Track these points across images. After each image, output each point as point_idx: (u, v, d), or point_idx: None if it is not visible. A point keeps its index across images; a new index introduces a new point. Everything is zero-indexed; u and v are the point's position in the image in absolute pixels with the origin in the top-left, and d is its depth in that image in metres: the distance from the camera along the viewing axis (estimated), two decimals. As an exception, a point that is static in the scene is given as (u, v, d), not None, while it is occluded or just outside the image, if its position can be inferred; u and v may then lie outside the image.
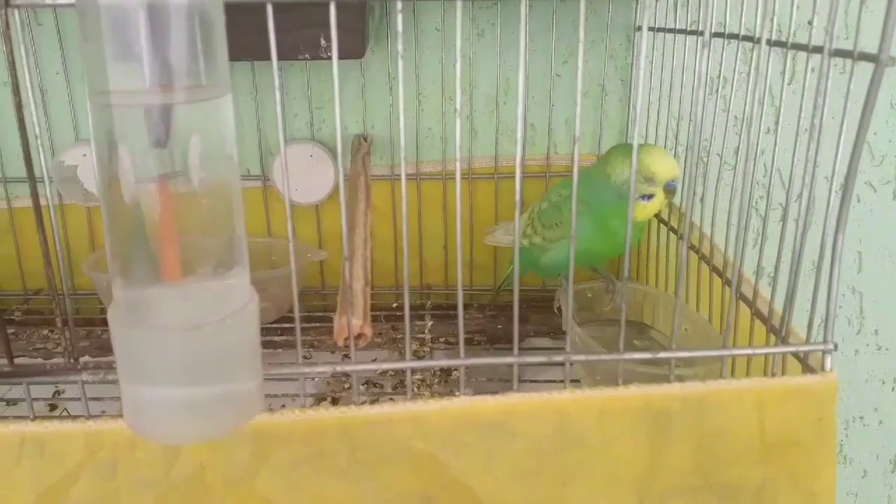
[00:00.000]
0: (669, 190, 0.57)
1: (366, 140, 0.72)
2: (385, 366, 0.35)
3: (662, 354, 0.36)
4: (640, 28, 0.70)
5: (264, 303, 0.71)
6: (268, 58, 0.65)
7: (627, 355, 0.36)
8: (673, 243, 0.65)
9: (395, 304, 0.76)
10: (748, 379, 0.37)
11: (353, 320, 0.34)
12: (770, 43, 0.47)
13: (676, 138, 0.69)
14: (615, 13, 0.70)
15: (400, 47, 0.35)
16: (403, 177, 0.35)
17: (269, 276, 0.68)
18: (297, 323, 0.36)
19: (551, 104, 0.72)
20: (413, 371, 0.62)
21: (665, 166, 0.56)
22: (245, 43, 0.65)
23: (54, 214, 0.39)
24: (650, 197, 0.56)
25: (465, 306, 0.76)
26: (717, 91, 0.71)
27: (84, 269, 0.66)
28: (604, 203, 0.58)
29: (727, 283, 0.54)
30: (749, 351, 0.38)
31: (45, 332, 0.71)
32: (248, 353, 0.31)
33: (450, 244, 0.77)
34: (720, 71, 0.61)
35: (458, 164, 0.34)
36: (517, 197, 0.36)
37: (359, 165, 0.61)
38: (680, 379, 0.40)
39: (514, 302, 0.37)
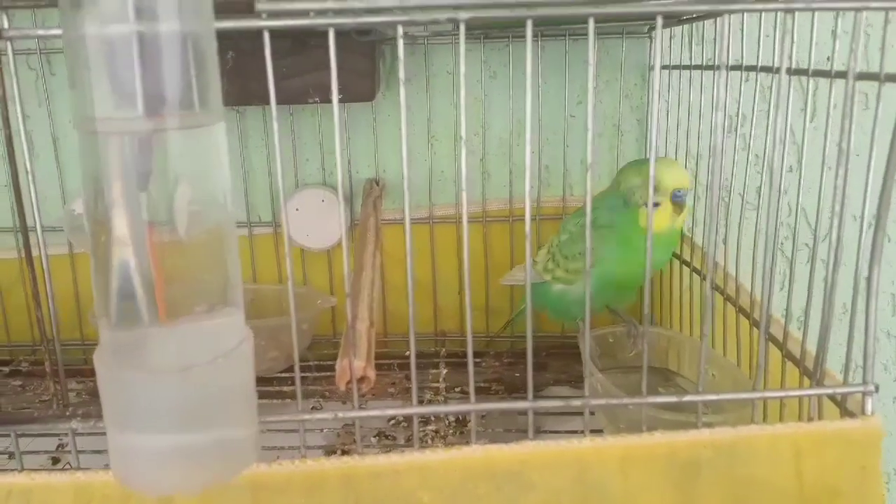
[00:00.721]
0: (676, 200, 0.55)
1: (377, 184, 0.71)
2: (390, 412, 0.33)
3: (689, 398, 0.34)
4: (654, 67, 0.69)
5: (273, 352, 0.70)
6: (279, 102, 0.65)
7: (651, 399, 0.34)
8: (696, 285, 0.63)
9: (408, 353, 0.73)
10: (783, 424, 0.34)
11: (355, 362, 0.32)
12: (790, 72, 0.45)
13: (696, 178, 0.67)
14: (629, 52, 0.69)
15: (402, 74, 0.34)
16: (407, 213, 0.33)
17: (278, 324, 0.66)
18: (296, 366, 0.34)
19: (566, 145, 0.71)
20: (425, 421, 0.59)
21: (672, 175, 0.54)
22: (255, 88, 0.65)
23: (46, 263, 0.38)
24: (656, 205, 0.55)
25: (481, 353, 0.73)
26: (735, 129, 0.70)
27: (90, 316, 0.65)
28: (620, 217, 0.56)
29: (755, 324, 0.51)
30: (782, 393, 0.35)
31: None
32: (242, 398, 0.29)
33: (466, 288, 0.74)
34: (739, 108, 0.59)
35: (463, 194, 0.32)
36: (527, 229, 0.34)
37: (369, 208, 0.60)
38: (708, 426, 0.38)
39: (528, 343, 0.34)
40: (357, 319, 0.37)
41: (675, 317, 0.67)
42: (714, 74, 0.61)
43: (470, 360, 0.34)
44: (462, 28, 0.31)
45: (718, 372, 0.57)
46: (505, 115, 0.71)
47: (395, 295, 0.75)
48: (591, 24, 0.30)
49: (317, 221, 0.71)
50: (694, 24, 0.64)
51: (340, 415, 0.33)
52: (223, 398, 0.28)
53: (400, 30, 0.31)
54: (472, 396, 0.34)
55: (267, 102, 0.65)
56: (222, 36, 0.30)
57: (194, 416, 0.28)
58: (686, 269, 0.64)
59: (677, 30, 0.67)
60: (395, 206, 0.73)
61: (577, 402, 0.34)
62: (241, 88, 0.63)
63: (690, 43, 0.66)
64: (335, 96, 0.34)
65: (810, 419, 0.36)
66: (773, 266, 0.48)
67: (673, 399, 0.34)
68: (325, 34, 0.60)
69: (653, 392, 0.34)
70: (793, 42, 0.44)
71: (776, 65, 0.46)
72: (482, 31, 0.68)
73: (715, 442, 0.34)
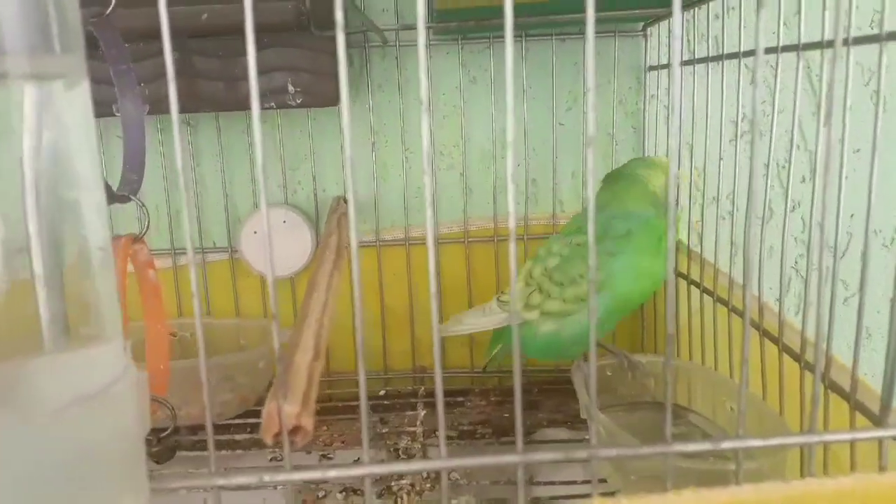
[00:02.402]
0: None
1: (345, 202, 0.63)
2: (332, 473, 0.25)
3: (727, 444, 0.26)
4: (651, 68, 0.62)
5: (226, 394, 0.61)
6: (235, 108, 0.58)
7: (678, 446, 0.26)
8: (707, 306, 0.55)
9: (382, 392, 0.65)
10: (850, 476, 0.26)
11: (285, 408, 0.24)
12: (848, 43, 0.38)
13: (704, 188, 0.59)
14: (622, 53, 0.63)
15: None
16: (353, 228, 0.26)
17: (231, 362, 0.57)
18: (208, 418, 0.25)
19: (555, 156, 0.64)
20: (399, 475, 0.51)
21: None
22: (208, 92, 0.57)
23: None
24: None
25: (465, 392, 0.65)
26: (739, 136, 0.63)
27: None
28: (641, 224, 0.48)
29: (785, 350, 0.43)
30: (847, 436, 0.27)
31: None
32: (118, 457, 0.21)
33: (447, 317, 0.66)
34: (738, 108, 0.53)
35: (429, 211, 0.25)
36: (511, 260, 0.26)
37: (332, 225, 0.52)
38: (736, 476, 0.30)
39: (516, 385, 0.26)
40: (297, 350, 0.29)
41: (683, 342, 0.59)
42: (723, 70, 0.54)
43: (440, 404, 0.26)
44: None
45: (739, 406, 0.49)
46: (486, 124, 0.64)
47: (368, 326, 0.67)
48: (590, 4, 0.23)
49: (278, 246, 0.63)
50: (695, 16, 0.57)
51: (266, 478, 0.24)
52: (83, 458, 0.20)
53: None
54: (443, 449, 0.26)
55: (220, 108, 0.58)
56: (161, 33, 0.23)
57: (36, 483, 0.20)
58: (693, 289, 0.57)
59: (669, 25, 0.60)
60: (367, 227, 0.65)
61: (581, 454, 0.26)
62: (189, 93, 0.55)
63: (693, 39, 0.60)
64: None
65: (882, 469, 0.28)
66: (827, 288, 0.41)
67: (706, 446, 0.26)
68: (279, 28, 0.53)
69: (661, 431, 0.26)
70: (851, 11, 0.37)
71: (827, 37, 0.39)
72: (459, 33, 0.61)
73: (764, 501, 0.25)
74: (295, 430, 0.25)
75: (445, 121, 0.64)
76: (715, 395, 0.52)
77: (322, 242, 0.48)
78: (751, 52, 0.50)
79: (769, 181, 0.53)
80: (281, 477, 0.25)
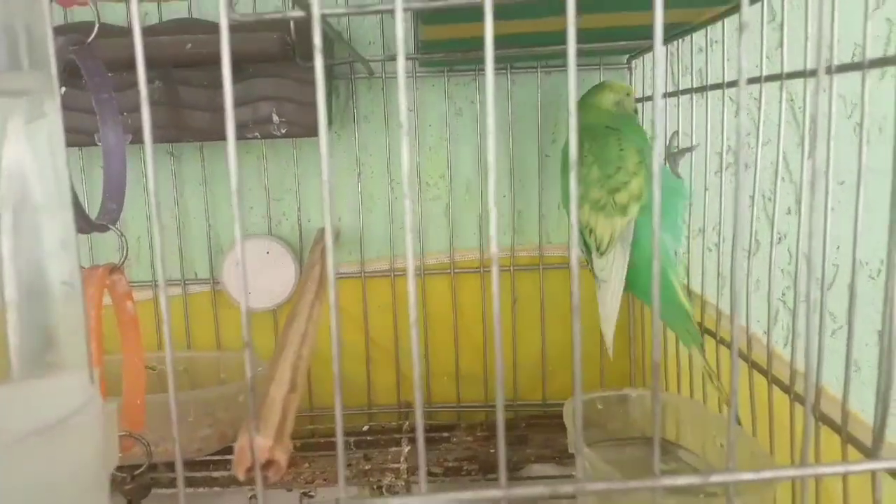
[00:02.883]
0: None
1: (330, 233, 0.62)
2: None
3: (717, 478, 0.25)
4: (636, 100, 0.63)
5: (205, 429, 0.59)
6: (219, 138, 0.57)
7: (666, 480, 0.25)
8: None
9: (366, 427, 0.64)
10: (843, 511, 0.25)
11: (256, 441, 0.23)
12: (831, 71, 0.38)
13: (688, 223, 0.59)
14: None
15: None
16: (329, 255, 0.25)
17: (211, 396, 0.56)
18: (177, 454, 0.24)
19: (541, 188, 0.64)
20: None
21: None
22: (192, 121, 0.57)
23: None
24: None
25: (451, 427, 0.64)
26: (724, 168, 0.63)
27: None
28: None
29: (776, 382, 0.42)
30: (841, 469, 0.26)
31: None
32: (78, 490, 0.20)
33: (433, 354, 0.65)
34: (723, 139, 0.53)
35: (408, 240, 0.24)
36: (494, 276, 0.25)
37: (316, 255, 0.51)
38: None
39: (498, 412, 0.26)
40: (271, 382, 0.28)
41: (671, 375, 0.58)
42: (707, 102, 0.54)
43: (420, 438, 0.25)
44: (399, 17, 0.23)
45: (728, 441, 0.48)
46: (472, 156, 0.63)
47: (352, 360, 0.65)
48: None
49: (261, 277, 0.62)
50: (679, 49, 0.58)
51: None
52: (37, 490, 0.18)
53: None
54: (423, 485, 0.25)
55: (205, 138, 0.57)
56: (146, 63, 0.23)
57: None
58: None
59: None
60: (352, 258, 0.65)
61: (566, 488, 0.25)
62: (173, 123, 0.55)
63: (678, 71, 0.60)
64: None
65: (877, 503, 0.27)
66: (821, 328, 0.40)
67: (695, 480, 0.25)
68: (263, 58, 0.53)
69: (650, 467, 0.26)
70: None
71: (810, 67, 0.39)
72: (445, 65, 0.61)
73: (756, 540, 0.24)
74: (268, 465, 0.24)
75: (431, 152, 0.64)
76: (705, 430, 0.52)
77: (304, 273, 0.48)
78: (734, 83, 0.50)
79: (755, 213, 0.52)
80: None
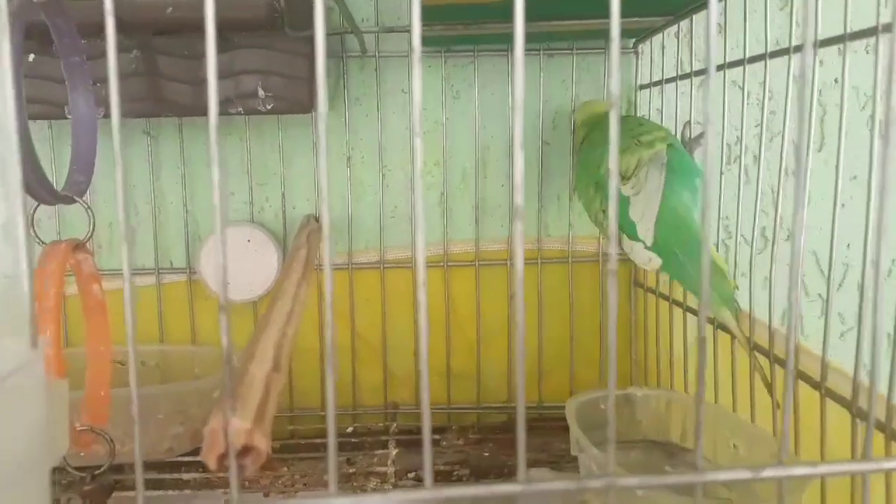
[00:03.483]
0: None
1: (317, 220, 0.59)
2: None
3: (769, 472, 0.21)
4: (642, 86, 0.60)
5: (177, 427, 0.55)
6: (200, 113, 0.53)
7: (711, 475, 0.21)
8: (691, 325, 0.51)
9: (350, 429, 0.60)
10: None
11: (232, 422, 0.19)
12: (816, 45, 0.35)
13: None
14: (611, 65, 0.60)
15: None
16: (327, 242, 0.21)
17: (183, 391, 0.52)
18: (137, 451, 0.20)
19: (541, 177, 0.60)
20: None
21: None
22: (172, 95, 0.53)
23: None
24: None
25: (442, 429, 0.60)
26: (735, 161, 0.60)
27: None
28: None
29: (804, 378, 0.39)
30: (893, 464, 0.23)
31: None
32: (11, 459, 0.16)
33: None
34: (741, 136, 0.50)
35: (424, 244, 0.20)
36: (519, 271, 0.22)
37: (302, 239, 0.48)
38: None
39: (519, 402, 0.22)
40: (252, 360, 0.24)
41: (677, 373, 0.55)
42: (724, 83, 0.52)
43: (427, 431, 0.21)
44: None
45: (745, 443, 0.44)
46: (470, 142, 0.60)
47: (339, 356, 0.61)
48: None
49: (241, 267, 0.58)
50: (689, 30, 0.55)
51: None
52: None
53: None
54: (429, 478, 0.21)
55: (184, 113, 0.53)
56: (122, 28, 0.19)
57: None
58: (691, 317, 0.53)
59: (662, 41, 0.58)
60: (338, 248, 0.61)
61: (596, 483, 0.22)
62: (152, 97, 0.51)
63: (688, 53, 0.57)
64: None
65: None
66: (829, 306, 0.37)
67: (745, 475, 0.22)
68: (250, 26, 0.49)
69: (657, 472, 0.22)
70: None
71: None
72: (443, 45, 0.58)
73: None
74: (245, 452, 0.20)
75: (427, 137, 0.60)
76: (716, 430, 0.48)
77: (289, 255, 0.44)
78: (738, 62, 0.47)
79: (761, 206, 0.50)
80: (226, 509, 0.20)
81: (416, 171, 0.21)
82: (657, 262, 0.46)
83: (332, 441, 0.21)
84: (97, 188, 0.59)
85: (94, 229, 0.41)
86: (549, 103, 0.60)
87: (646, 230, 0.46)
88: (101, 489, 0.41)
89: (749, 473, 0.22)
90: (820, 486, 0.37)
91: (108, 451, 0.42)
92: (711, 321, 0.50)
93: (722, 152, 0.61)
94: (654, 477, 0.22)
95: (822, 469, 0.22)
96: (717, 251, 0.51)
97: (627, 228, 0.47)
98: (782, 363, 0.42)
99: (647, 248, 0.46)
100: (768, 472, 0.22)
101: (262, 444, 0.20)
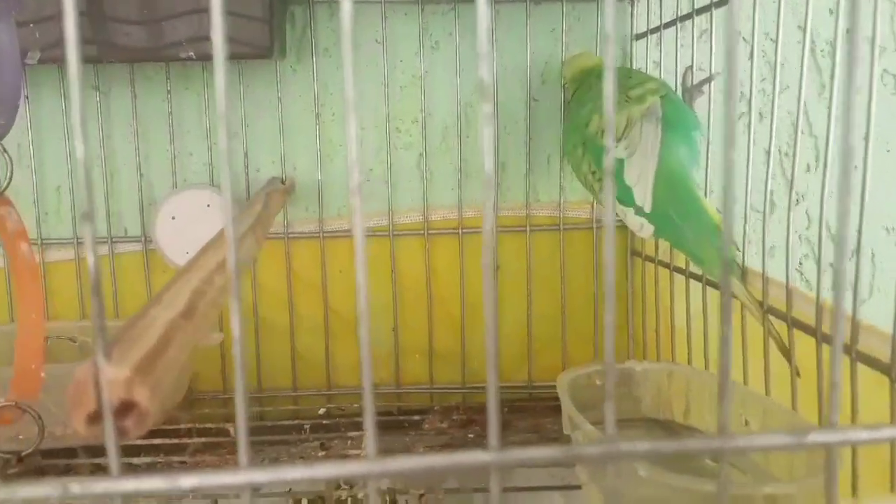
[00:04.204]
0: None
1: (283, 182, 0.53)
2: (188, 483, 0.14)
3: (817, 437, 0.17)
4: (639, 36, 0.55)
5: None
6: (153, 57, 0.48)
7: (742, 441, 0.17)
8: (695, 294, 0.46)
9: (323, 410, 0.55)
10: None
11: (106, 370, 0.14)
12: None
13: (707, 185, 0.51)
14: (605, 20, 0.55)
15: None
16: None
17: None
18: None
19: (528, 137, 0.55)
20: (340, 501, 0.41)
21: None
22: (120, 38, 0.47)
23: None
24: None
25: (424, 410, 0.55)
26: (739, 118, 0.55)
27: None
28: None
29: (826, 340, 0.34)
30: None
31: None
32: None
33: (403, 327, 0.57)
34: (750, 91, 0.45)
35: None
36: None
37: (259, 196, 0.43)
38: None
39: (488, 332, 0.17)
40: (156, 304, 0.19)
41: (680, 343, 0.50)
42: (713, 41, 0.47)
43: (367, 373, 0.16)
44: None
45: (758, 417, 0.40)
46: (451, 97, 0.55)
47: (308, 333, 0.56)
48: None
49: (200, 233, 0.53)
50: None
51: (76, 488, 0.14)
52: None
53: None
54: (371, 445, 0.16)
55: (135, 58, 0.48)
56: None
57: None
58: (695, 283, 0.48)
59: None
60: (308, 215, 0.56)
61: (591, 450, 0.17)
62: (100, 39, 0.45)
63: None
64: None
65: None
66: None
67: (786, 440, 0.17)
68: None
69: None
70: None
71: None
72: (420, -12, 0.53)
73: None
74: (125, 410, 0.15)
75: (403, 92, 0.55)
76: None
77: (243, 209, 0.39)
78: None
79: (770, 169, 0.45)
80: (100, 487, 0.15)
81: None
82: (649, 228, 0.42)
83: (240, 409, 0.16)
84: (45, 147, 0.54)
85: (11, 176, 0.35)
86: (538, 56, 0.55)
87: (643, 195, 0.41)
88: (26, 473, 0.36)
89: (790, 439, 0.17)
90: (851, 459, 0.32)
91: (38, 431, 0.37)
92: (714, 285, 0.45)
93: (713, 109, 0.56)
94: (669, 442, 0.17)
95: (885, 433, 0.17)
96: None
97: (621, 193, 0.42)
98: (801, 327, 0.37)
99: (638, 213, 0.41)
100: (816, 437, 0.17)
101: (144, 398, 0.15)
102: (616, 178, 0.41)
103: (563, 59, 0.54)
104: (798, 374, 0.37)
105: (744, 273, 0.40)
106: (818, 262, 0.37)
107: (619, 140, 0.42)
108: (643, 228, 0.41)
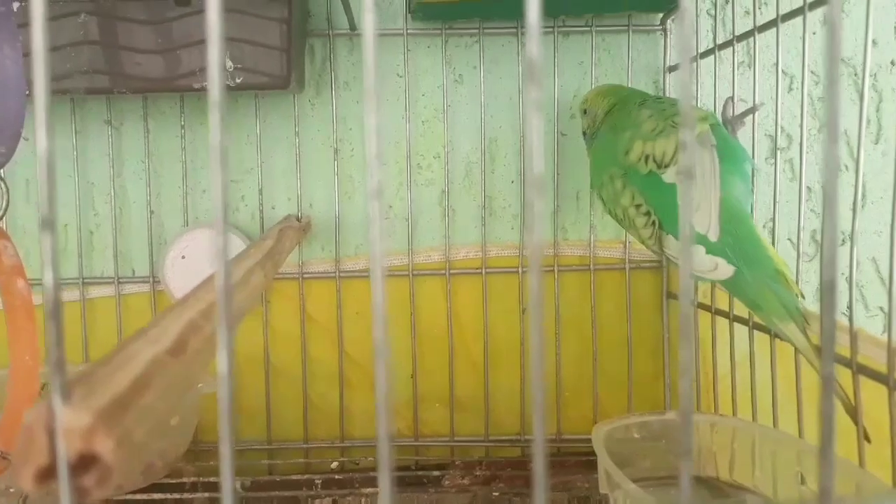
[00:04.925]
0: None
1: (298, 220, 0.51)
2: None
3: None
4: (671, 68, 0.52)
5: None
6: (166, 88, 0.46)
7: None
8: (760, 346, 0.42)
9: (335, 464, 0.51)
10: None
11: (62, 413, 0.11)
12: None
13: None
14: (637, 52, 0.53)
15: None
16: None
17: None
18: None
19: (556, 172, 0.53)
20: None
21: None
22: (128, 68, 0.46)
23: None
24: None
25: (444, 465, 0.51)
26: (776, 153, 0.52)
27: None
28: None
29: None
30: None
31: None
32: None
33: (422, 374, 0.53)
34: (777, 122, 0.43)
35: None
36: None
37: (273, 232, 0.40)
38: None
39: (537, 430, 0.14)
40: (139, 338, 0.16)
41: (723, 392, 0.46)
42: (755, 68, 0.44)
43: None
44: None
45: (816, 473, 0.35)
46: (475, 131, 0.53)
47: (323, 380, 0.53)
48: None
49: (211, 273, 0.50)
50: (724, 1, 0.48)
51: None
52: None
53: None
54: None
55: (149, 88, 0.46)
56: None
57: None
58: (739, 326, 0.44)
59: (696, 13, 0.51)
60: (324, 255, 0.53)
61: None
62: (112, 69, 0.44)
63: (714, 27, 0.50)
64: None
65: None
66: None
67: None
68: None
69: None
70: None
71: None
72: (443, 18, 0.51)
73: None
74: (84, 463, 0.12)
75: (425, 127, 0.53)
76: (775, 462, 0.39)
77: (251, 245, 0.36)
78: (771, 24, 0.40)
79: (802, 205, 0.42)
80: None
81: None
82: (727, 269, 0.37)
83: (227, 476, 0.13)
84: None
85: (7, 206, 0.33)
86: (565, 89, 0.53)
87: (707, 222, 0.37)
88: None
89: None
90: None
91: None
92: (767, 330, 0.42)
93: (755, 143, 0.53)
94: None
95: None
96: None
97: (675, 226, 0.38)
98: (868, 373, 0.33)
99: (710, 251, 0.37)
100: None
101: (108, 451, 0.12)
102: (668, 206, 0.38)
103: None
104: (868, 440, 0.33)
105: (807, 324, 0.36)
106: (890, 300, 0.33)
107: (665, 167, 0.39)
108: (718, 269, 0.37)
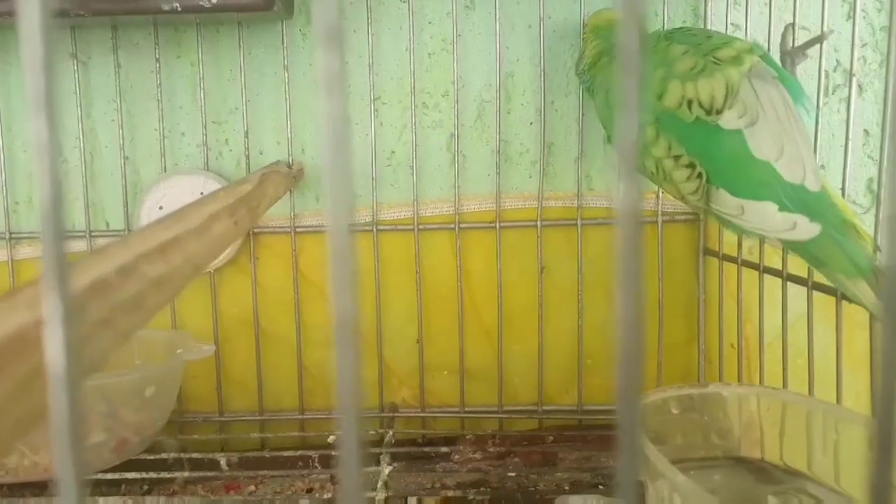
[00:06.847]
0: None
1: (289, 167, 0.45)
2: None
3: None
4: (714, -9, 0.46)
5: (99, 434, 0.42)
6: (129, 11, 0.39)
7: None
8: (822, 308, 0.37)
9: (332, 438, 0.46)
10: None
11: None
12: None
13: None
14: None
15: None
16: None
17: (108, 386, 0.38)
18: None
19: (581, 112, 0.47)
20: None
21: None
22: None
23: None
24: None
25: (453, 439, 0.46)
26: (833, 92, 0.46)
27: None
28: None
29: None
30: None
31: None
32: None
33: (428, 339, 0.48)
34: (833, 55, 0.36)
35: None
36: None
37: (253, 177, 0.34)
38: None
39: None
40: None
41: (772, 361, 0.41)
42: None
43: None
44: None
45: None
46: (488, 66, 0.46)
47: (316, 345, 0.48)
48: None
49: (192, 226, 0.45)
50: None
51: None
52: None
53: None
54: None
55: (110, 11, 0.39)
56: None
57: None
58: (796, 286, 0.39)
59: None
60: (319, 206, 0.47)
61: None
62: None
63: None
64: None
65: None
66: None
67: None
68: None
69: None
70: None
71: None
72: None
73: None
74: None
75: (432, 60, 0.47)
76: (839, 443, 0.34)
77: (225, 188, 0.30)
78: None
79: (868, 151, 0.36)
80: None
81: None
82: (811, 227, 0.31)
83: None
84: (14, 126, 0.46)
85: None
86: (591, 13, 0.46)
87: (801, 170, 0.31)
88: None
89: None
90: None
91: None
92: (831, 290, 0.36)
93: (819, 80, 0.46)
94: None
95: None
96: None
97: (745, 183, 0.32)
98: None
99: (784, 208, 0.31)
100: None
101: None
102: (734, 157, 0.32)
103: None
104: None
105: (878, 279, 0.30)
106: None
107: (719, 112, 0.33)
108: (797, 228, 0.31)
